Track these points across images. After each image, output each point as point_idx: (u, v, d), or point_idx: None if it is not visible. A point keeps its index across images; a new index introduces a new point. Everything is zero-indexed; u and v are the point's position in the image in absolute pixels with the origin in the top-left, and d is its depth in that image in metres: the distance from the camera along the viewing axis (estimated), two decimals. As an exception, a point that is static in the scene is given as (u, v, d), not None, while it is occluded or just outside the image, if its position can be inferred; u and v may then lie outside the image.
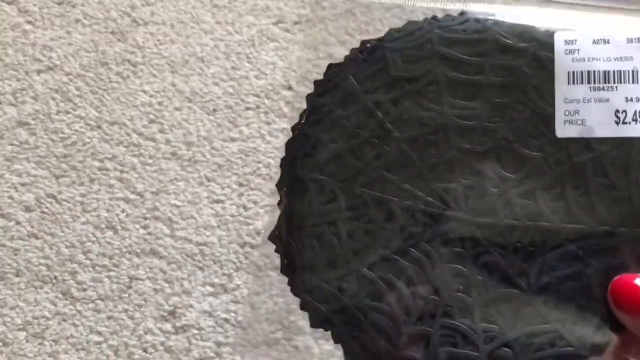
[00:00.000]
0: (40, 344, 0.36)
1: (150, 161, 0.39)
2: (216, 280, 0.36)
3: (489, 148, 0.23)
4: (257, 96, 0.40)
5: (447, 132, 0.23)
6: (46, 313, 0.36)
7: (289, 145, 0.25)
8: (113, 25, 0.43)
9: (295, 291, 0.24)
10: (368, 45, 0.25)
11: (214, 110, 0.40)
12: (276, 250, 0.25)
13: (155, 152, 0.39)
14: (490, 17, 0.24)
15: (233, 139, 0.39)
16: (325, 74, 0.25)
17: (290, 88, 0.40)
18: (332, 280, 0.23)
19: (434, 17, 0.25)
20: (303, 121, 0.25)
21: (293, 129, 0.25)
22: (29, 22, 0.43)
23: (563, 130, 0.23)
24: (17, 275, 0.37)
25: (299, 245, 0.24)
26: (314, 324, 0.24)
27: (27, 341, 0.36)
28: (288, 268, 0.24)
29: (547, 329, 0.22)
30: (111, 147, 0.40)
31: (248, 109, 0.40)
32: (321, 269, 0.24)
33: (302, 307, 0.24)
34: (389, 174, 0.23)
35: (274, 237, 0.25)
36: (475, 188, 0.23)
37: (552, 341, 0.22)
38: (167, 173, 0.39)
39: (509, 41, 0.24)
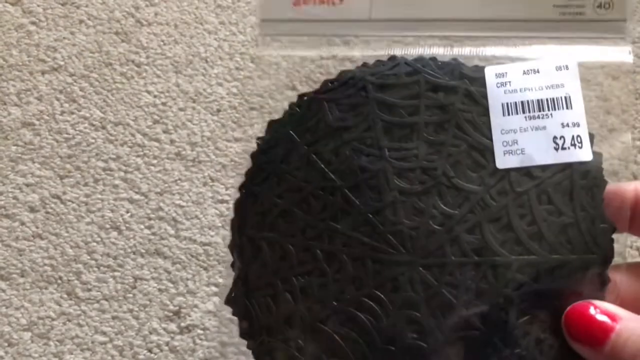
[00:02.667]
0: (45, 344, 0.36)
1: (154, 161, 0.39)
2: (221, 280, 0.36)
3: (430, 186, 0.23)
4: (261, 96, 0.40)
5: (387, 176, 0.23)
6: (51, 313, 0.37)
7: (237, 205, 0.25)
8: (117, 25, 0.43)
9: (255, 354, 0.24)
10: (305, 98, 0.26)
11: (218, 110, 0.40)
12: (233, 314, 0.24)
13: (159, 153, 0.39)
14: (419, 60, 0.25)
15: (237, 139, 0.39)
16: (267, 131, 0.26)
17: (293, 88, 0.40)
18: (290, 339, 0.23)
19: (364, 64, 0.25)
20: (249, 180, 0.25)
21: (240, 188, 0.25)
22: (33, 23, 0.43)
23: (503, 161, 0.23)
24: (22, 276, 0.37)
25: (255, 306, 0.23)
26: None
27: (32, 341, 0.36)
28: (247, 331, 0.24)
29: None
30: (115, 147, 0.40)
31: (252, 109, 0.40)
32: (278, 328, 0.23)
33: None
34: (336, 223, 0.23)
35: (230, 300, 0.24)
36: (420, 228, 0.23)
37: None
38: (171, 173, 0.39)
39: (440, 80, 0.24)
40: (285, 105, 0.40)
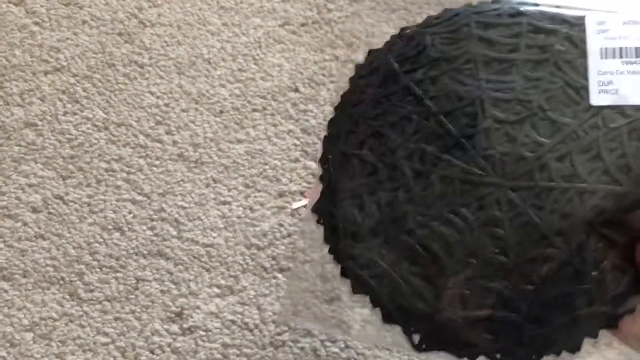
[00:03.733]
0: (47, 344, 0.36)
1: (157, 162, 0.39)
2: (223, 281, 0.36)
3: (524, 117, 0.24)
4: (264, 98, 0.40)
5: (483, 104, 0.24)
6: (53, 314, 0.37)
7: (332, 123, 0.26)
8: (120, 26, 0.43)
9: (337, 258, 0.25)
10: (407, 31, 0.27)
11: (221, 111, 0.40)
12: (318, 221, 0.26)
13: (162, 154, 0.40)
14: (522, 3, 0.26)
15: (239, 141, 0.39)
16: (366, 58, 0.27)
17: (296, 90, 0.40)
18: (373, 247, 0.24)
19: (469, 4, 0.26)
20: (345, 100, 0.26)
21: (336, 108, 0.26)
22: (36, 24, 0.43)
23: (597, 98, 0.24)
24: (25, 276, 0.37)
25: (341, 215, 0.25)
26: (355, 290, 0.25)
27: (34, 342, 0.36)
28: (331, 237, 0.25)
29: (584, 289, 0.23)
30: (118, 148, 0.40)
31: (254, 110, 0.40)
32: (362, 237, 0.25)
33: (343, 273, 0.25)
34: (428, 145, 0.24)
35: (317, 208, 0.26)
36: (511, 154, 0.24)
37: (589, 300, 0.23)
38: (173, 174, 0.39)
39: (541, 24, 0.25)
40: (288, 107, 0.40)
